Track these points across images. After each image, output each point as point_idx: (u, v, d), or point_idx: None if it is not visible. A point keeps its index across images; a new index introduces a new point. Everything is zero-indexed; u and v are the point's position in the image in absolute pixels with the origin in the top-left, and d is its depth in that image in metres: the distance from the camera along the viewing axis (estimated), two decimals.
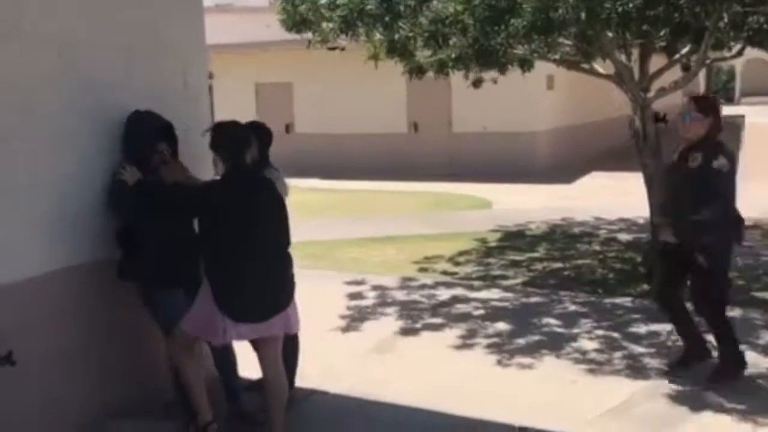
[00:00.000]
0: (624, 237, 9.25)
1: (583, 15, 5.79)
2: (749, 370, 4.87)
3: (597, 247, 8.74)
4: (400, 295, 6.87)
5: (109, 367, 3.91)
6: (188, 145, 4.08)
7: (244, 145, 3.64)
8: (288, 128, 18.41)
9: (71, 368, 3.69)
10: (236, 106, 16.08)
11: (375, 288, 7.00)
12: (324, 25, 6.93)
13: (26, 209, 3.47)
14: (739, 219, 4.64)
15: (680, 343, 5.45)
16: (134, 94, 3.93)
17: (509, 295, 6.79)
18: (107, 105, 3.82)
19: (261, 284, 3.56)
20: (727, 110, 37.47)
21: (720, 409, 4.34)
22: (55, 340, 3.59)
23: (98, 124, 3.80)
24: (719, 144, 4.51)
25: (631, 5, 5.92)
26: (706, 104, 4.50)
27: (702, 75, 43.70)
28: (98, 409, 3.84)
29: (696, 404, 4.41)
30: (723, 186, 4.45)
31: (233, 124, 3.74)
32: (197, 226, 3.67)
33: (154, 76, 4.16)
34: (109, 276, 3.82)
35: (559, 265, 7.93)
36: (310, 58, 17.05)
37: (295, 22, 7.09)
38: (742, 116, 29.75)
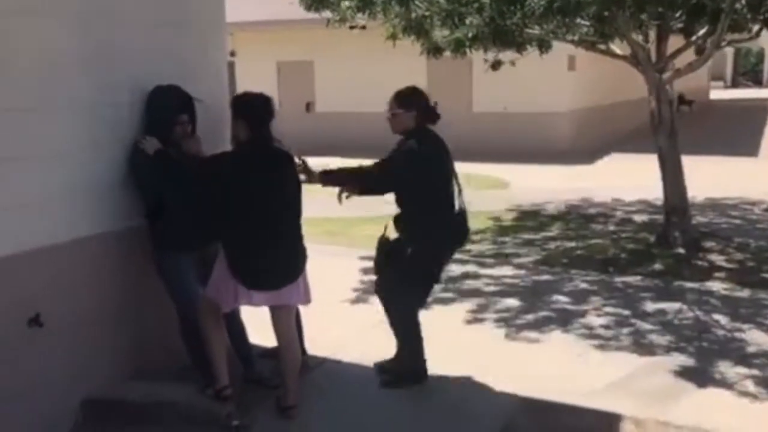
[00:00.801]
0: (639, 218, 9.30)
1: None
2: (754, 348, 4.96)
3: (611, 228, 8.81)
4: None
5: (132, 332, 4.08)
6: (207, 120, 4.20)
7: (267, 115, 3.81)
8: (309, 107, 18.53)
9: (95, 332, 3.86)
10: (258, 84, 15.94)
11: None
12: (342, 3, 7.02)
13: (53, 177, 3.62)
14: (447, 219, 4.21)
15: (687, 321, 5.58)
16: (156, 67, 4.05)
17: (521, 272, 6.90)
18: (129, 77, 3.96)
19: (275, 253, 3.71)
20: (754, 92, 36.92)
21: (721, 384, 4.45)
22: (81, 304, 3.76)
23: (121, 96, 3.93)
24: (428, 134, 4.25)
25: None
26: (407, 98, 4.25)
27: (730, 57, 43.18)
28: (118, 372, 4.02)
29: (697, 379, 4.51)
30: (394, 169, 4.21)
31: (256, 95, 3.88)
32: (213, 194, 3.80)
33: (175, 51, 4.27)
34: (132, 244, 3.98)
35: (572, 244, 8.01)
36: (331, 36, 17.10)
37: (314, 1, 7.19)
38: None
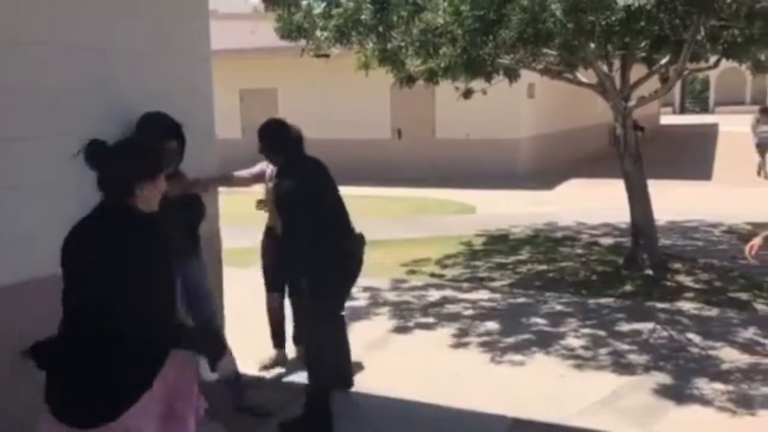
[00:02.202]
0: (605, 241, 9.54)
1: (570, 25, 6.04)
2: (728, 365, 5.14)
3: (579, 251, 9.01)
4: (392, 296, 7.08)
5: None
6: (194, 147, 4.22)
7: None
8: None
9: None
10: (221, 111, 16.15)
11: (366, 289, 7.19)
12: (318, 33, 7.14)
13: (39, 209, 3.61)
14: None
15: (661, 340, 5.75)
16: (144, 97, 4.07)
17: (497, 296, 7.02)
18: (116, 109, 3.97)
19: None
20: (701, 119, 38.33)
21: (699, 401, 4.59)
22: None
23: (107, 128, 3.93)
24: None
25: (614, 18, 6.21)
26: (271, 141, 4.23)
27: (678, 85, 44.62)
28: None
29: (677, 397, 4.65)
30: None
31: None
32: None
33: (163, 81, 4.31)
34: None
35: (543, 267, 8.18)
36: (295, 64, 17.21)
37: (290, 31, 7.28)
38: (716, 125, 30.42)
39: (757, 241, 3.97)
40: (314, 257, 4.02)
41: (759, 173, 16.28)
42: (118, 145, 2.63)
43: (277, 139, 4.23)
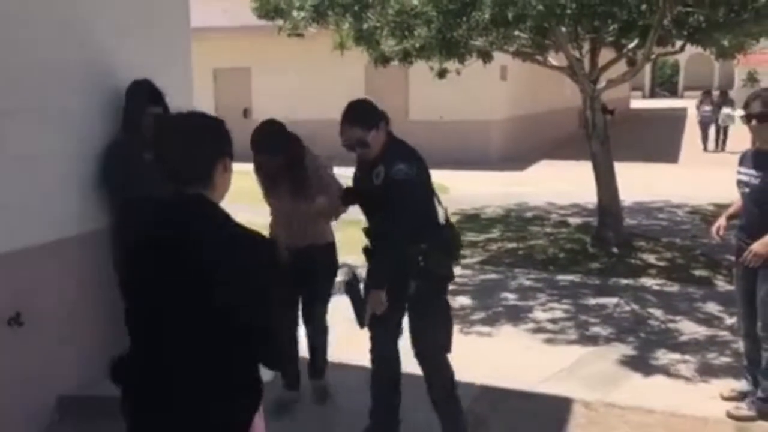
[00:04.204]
0: (573, 220, 9.79)
1: (540, 8, 6.20)
2: (686, 337, 5.40)
3: (549, 229, 9.25)
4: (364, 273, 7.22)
5: (107, 331, 4.16)
6: None
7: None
8: (246, 113, 18.54)
9: (72, 331, 3.94)
10: (194, 90, 16.17)
11: (342, 266, 7.31)
12: (295, 13, 7.22)
13: (32, 179, 3.70)
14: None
15: (625, 314, 5.99)
16: (126, 74, 4.16)
17: (468, 272, 7.22)
18: (100, 82, 4.07)
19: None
20: (671, 102, 38.78)
21: (658, 369, 4.84)
22: (58, 303, 3.84)
23: (92, 100, 4.03)
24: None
25: (584, 2, 6.39)
26: (368, 114, 3.50)
27: (648, 69, 45.12)
28: (94, 370, 4.10)
29: (637, 366, 4.90)
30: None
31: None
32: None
33: (143, 58, 4.39)
34: (107, 245, 4.09)
35: (513, 245, 8.40)
36: (269, 43, 17.21)
37: (267, 10, 7.36)
38: (685, 108, 30.93)
39: (721, 221, 4.17)
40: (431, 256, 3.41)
41: (704, 148, 18.56)
42: (185, 116, 2.06)
43: (378, 117, 3.46)
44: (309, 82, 17.49)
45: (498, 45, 7.83)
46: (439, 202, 3.54)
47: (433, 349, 3.54)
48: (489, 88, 16.22)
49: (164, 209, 2.03)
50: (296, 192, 3.99)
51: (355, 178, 3.70)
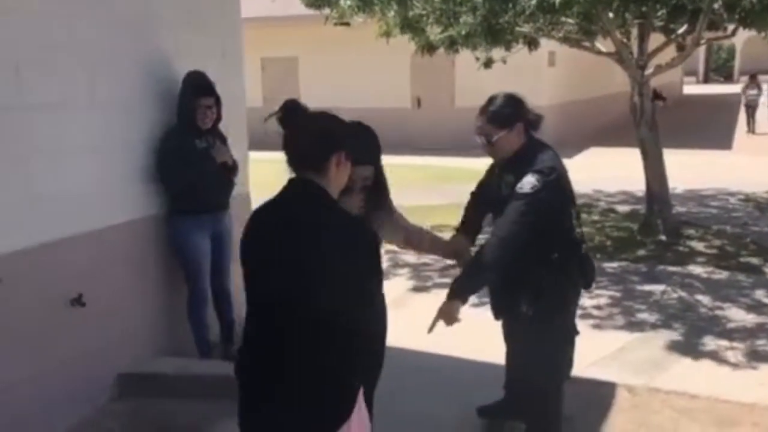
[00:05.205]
0: (622, 208, 9.70)
1: None
2: (734, 324, 5.35)
3: (596, 217, 9.19)
4: (411, 259, 7.32)
5: (163, 311, 4.36)
6: (225, 114, 4.45)
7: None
8: None
9: (130, 311, 4.13)
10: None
11: (387, 252, 7.43)
12: (342, 2, 7.31)
13: (92, 168, 3.88)
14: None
15: (672, 301, 5.96)
16: (179, 66, 4.31)
17: None
18: (159, 72, 4.23)
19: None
20: (725, 88, 37.78)
21: (704, 355, 4.82)
22: (118, 285, 4.02)
23: (147, 93, 4.20)
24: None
25: None
26: (507, 113, 3.19)
27: (702, 54, 44.01)
28: (151, 349, 4.29)
29: (683, 351, 4.89)
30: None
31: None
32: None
33: (197, 50, 4.54)
34: (162, 229, 4.28)
35: None
36: (316, 33, 17.39)
37: (315, 0, 7.46)
38: (740, 94, 30.05)
39: None
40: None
41: (748, 131, 19.02)
42: (312, 115, 2.24)
43: (514, 117, 3.17)
44: (356, 71, 17.59)
45: (545, 31, 7.81)
46: (577, 218, 3.29)
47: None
48: (536, 74, 16.07)
49: (280, 192, 2.18)
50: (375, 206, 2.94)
51: (486, 182, 3.46)
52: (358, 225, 2.16)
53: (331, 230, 2.05)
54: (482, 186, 3.51)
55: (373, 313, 2.14)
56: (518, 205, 3.00)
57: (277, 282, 2.05)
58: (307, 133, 2.18)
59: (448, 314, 3.05)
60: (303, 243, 2.02)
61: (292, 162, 2.17)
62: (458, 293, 3.04)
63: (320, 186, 2.12)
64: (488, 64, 8.37)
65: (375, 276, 2.14)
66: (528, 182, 3.00)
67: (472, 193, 3.59)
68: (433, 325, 3.07)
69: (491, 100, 3.20)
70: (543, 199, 3.00)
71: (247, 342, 2.19)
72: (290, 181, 2.17)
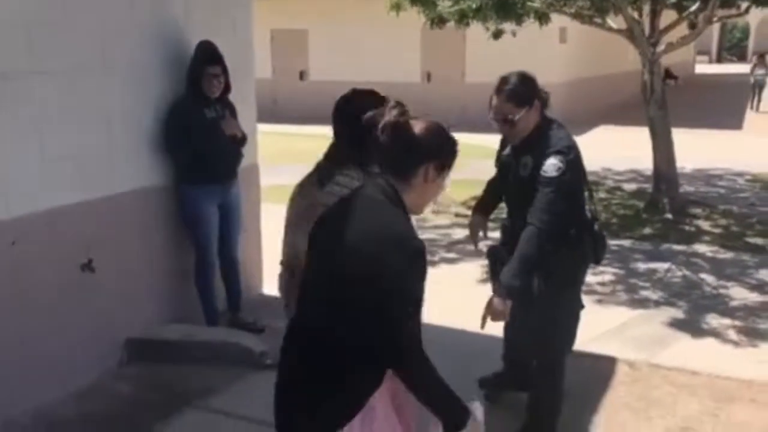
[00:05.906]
0: (629, 186, 9.70)
1: None
2: (737, 303, 5.38)
3: (602, 195, 9.19)
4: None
5: (171, 279, 4.42)
6: (234, 85, 4.47)
7: None
8: (302, 75, 18.71)
9: (139, 278, 4.19)
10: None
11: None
12: None
13: (106, 135, 3.92)
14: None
15: (675, 279, 5.99)
16: (193, 33, 4.33)
17: None
18: (171, 42, 4.26)
19: None
20: (738, 68, 37.35)
21: (706, 333, 4.87)
22: (127, 252, 4.08)
23: (162, 62, 4.23)
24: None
25: None
26: (524, 93, 3.13)
27: (715, 33, 43.50)
28: (159, 315, 4.37)
29: (685, 328, 4.94)
30: None
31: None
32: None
33: (209, 17, 4.56)
34: (175, 199, 4.34)
35: None
36: (326, 5, 17.30)
37: None
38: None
39: None
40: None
41: (752, 107, 19.53)
42: (414, 123, 2.11)
43: (533, 94, 3.12)
44: (365, 44, 17.50)
45: (556, 6, 7.76)
46: (591, 196, 3.30)
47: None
48: (547, 50, 15.97)
49: (360, 196, 2.07)
50: None
51: (500, 161, 3.42)
52: (407, 242, 2.02)
53: (375, 240, 1.96)
54: (499, 171, 3.50)
55: (415, 326, 2.08)
56: (547, 192, 2.97)
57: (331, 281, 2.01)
58: (402, 140, 2.03)
59: (500, 312, 3.06)
60: (348, 248, 1.97)
61: (381, 163, 2.08)
62: (510, 292, 3.02)
63: (394, 190, 2.02)
64: (497, 35, 8.34)
65: (409, 304, 2.05)
66: (552, 165, 2.97)
67: (489, 182, 3.65)
68: (484, 321, 3.09)
69: (505, 79, 3.13)
70: (567, 181, 2.99)
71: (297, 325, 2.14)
72: (369, 176, 2.13)
